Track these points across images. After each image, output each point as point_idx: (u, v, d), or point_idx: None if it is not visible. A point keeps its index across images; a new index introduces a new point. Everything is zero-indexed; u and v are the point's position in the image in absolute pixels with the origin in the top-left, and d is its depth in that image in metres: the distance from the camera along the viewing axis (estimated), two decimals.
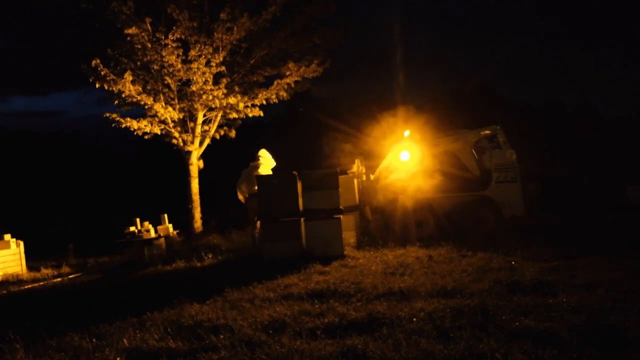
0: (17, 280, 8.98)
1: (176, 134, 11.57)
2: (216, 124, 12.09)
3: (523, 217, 9.73)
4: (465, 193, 9.84)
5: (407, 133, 10.43)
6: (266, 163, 9.54)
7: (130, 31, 10.16)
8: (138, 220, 11.33)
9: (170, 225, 11.65)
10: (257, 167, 9.41)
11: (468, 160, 10.07)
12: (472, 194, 9.83)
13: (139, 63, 10.87)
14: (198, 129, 11.81)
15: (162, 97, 11.23)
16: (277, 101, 11.60)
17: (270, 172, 9.42)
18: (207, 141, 12.11)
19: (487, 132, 10.25)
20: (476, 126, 10.76)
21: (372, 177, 10.42)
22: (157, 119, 11.21)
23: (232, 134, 12.26)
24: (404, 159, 9.95)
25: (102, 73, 10.31)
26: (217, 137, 12.20)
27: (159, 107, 10.81)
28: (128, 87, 10.31)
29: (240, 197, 9.47)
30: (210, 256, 8.98)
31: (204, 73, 10.77)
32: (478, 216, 9.68)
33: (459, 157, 10.08)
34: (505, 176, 9.79)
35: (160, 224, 11.51)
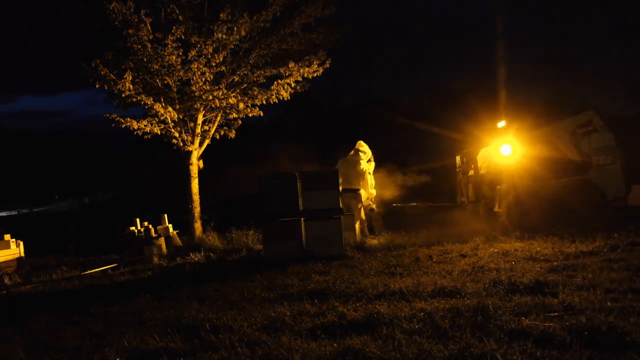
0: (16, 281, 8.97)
1: (176, 134, 11.57)
2: (216, 124, 12.09)
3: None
4: (567, 178, 9.97)
5: (501, 124, 10.61)
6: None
7: (129, 31, 10.16)
8: (138, 220, 11.35)
9: (170, 225, 11.66)
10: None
11: (567, 148, 10.20)
12: (574, 178, 9.95)
13: (139, 63, 10.87)
14: (198, 129, 11.81)
15: (162, 97, 11.23)
16: (277, 101, 11.61)
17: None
18: (207, 141, 12.11)
19: (583, 118, 10.36)
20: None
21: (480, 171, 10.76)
22: (157, 119, 11.21)
23: (232, 134, 12.26)
24: (505, 153, 10.07)
25: (102, 73, 10.32)
26: (217, 137, 12.20)
27: (159, 107, 10.81)
28: (128, 87, 10.31)
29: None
30: (210, 256, 8.99)
31: (203, 73, 10.77)
32: (581, 201, 9.76)
33: (558, 146, 10.21)
34: (605, 159, 9.93)
35: (160, 224, 11.53)
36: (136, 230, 11.10)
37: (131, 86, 10.39)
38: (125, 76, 10.27)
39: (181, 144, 11.72)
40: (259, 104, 11.62)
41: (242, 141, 14.78)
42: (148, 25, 10.25)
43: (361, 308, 4.40)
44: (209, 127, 12.03)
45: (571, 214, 9.40)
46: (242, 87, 11.75)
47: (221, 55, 10.84)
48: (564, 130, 10.28)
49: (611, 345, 3.17)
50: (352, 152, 10.33)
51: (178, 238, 11.75)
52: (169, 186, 19.59)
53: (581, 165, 10.10)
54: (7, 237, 10.64)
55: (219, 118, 12.09)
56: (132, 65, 10.71)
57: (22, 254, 10.82)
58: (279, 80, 11.42)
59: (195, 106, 11.38)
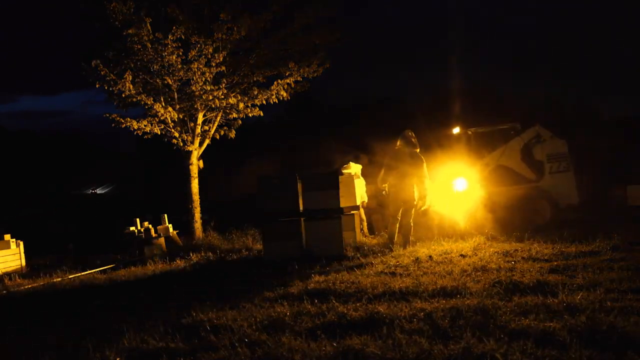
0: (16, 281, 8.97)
1: (176, 134, 11.57)
2: (216, 124, 12.09)
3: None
4: (519, 186, 10.02)
5: (456, 130, 10.75)
6: None
7: (130, 31, 10.17)
8: (138, 220, 11.35)
9: (170, 225, 11.66)
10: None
11: (520, 167, 10.28)
12: (526, 186, 10.00)
13: (139, 63, 10.87)
14: (198, 129, 11.81)
15: (162, 97, 11.24)
16: (277, 101, 11.61)
17: None
18: (207, 141, 12.11)
19: (530, 134, 10.42)
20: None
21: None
22: (157, 119, 11.21)
23: (232, 134, 12.26)
24: (460, 188, 9.97)
25: (102, 73, 10.32)
26: (217, 137, 12.21)
27: (159, 107, 10.81)
28: (128, 87, 10.31)
29: None
30: (210, 256, 9.00)
31: (203, 73, 10.77)
32: (534, 208, 9.83)
33: (511, 168, 10.28)
34: (558, 166, 9.97)
35: (160, 224, 11.53)
36: (136, 230, 11.11)
37: (131, 86, 10.39)
38: (125, 76, 10.27)
39: (181, 144, 11.72)
40: (259, 104, 11.62)
41: (242, 141, 14.77)
42: (148, 25, 10.26)
43: (361, 308, 4.40)
44: (209, 127, 12.03)
45: (524, 221, 9.34)
46: (242, 87, 11.75)
47: (221, 55, 10.84)
48: (513, 149, 10.32)
49: (611, 345, 3.17)
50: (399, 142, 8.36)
51: (178, 238, 11.76)
52: (169, 186, 19.60)
53: (534, 173, 10.20)
54: (7, 237, 10.64)
55: (219, 118, 12.09)
56: (132, 65, 10.71)
57: (22, 254, 10.82)
58: (279, 80, 11.42)
59: (195, 106, 11.38)
